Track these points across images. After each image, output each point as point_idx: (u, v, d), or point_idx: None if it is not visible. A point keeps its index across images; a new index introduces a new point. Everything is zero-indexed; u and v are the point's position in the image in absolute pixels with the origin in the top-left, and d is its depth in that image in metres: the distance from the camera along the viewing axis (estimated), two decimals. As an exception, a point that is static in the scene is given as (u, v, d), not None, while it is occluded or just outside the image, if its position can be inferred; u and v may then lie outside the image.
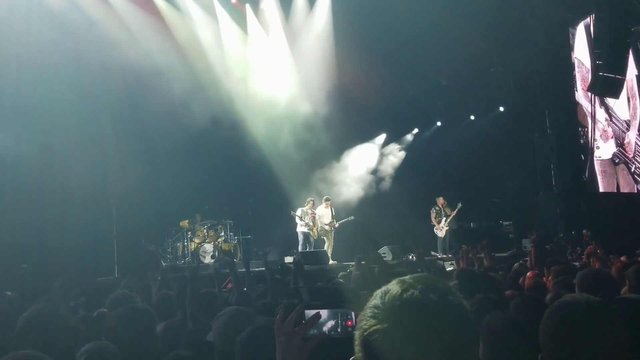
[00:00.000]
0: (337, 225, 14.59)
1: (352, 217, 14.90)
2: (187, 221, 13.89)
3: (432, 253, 14.56)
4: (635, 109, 14.67)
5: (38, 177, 12.56)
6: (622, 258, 7.52)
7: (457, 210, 15.44)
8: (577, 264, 5.78)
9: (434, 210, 15.57)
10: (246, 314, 3.31)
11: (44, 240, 12.64)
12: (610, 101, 14.83)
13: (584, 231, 14.94)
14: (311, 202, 14.56)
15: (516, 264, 7.14)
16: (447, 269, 7.58)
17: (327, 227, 14.53)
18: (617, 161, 15.09)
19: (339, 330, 1.68)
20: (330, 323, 1.68)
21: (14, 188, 12.46)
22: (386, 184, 17.23)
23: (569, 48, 16.41)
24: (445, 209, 15.49)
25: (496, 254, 11.25)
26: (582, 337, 1.84)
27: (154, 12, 14.89)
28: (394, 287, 1.30)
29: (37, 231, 13.03)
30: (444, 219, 15.41)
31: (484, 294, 3.35)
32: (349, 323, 1.67)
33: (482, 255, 7.94)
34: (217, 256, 13.31)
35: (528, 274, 5.95)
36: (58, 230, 13.27)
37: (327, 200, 14.85)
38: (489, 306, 2.99)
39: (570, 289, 3.78)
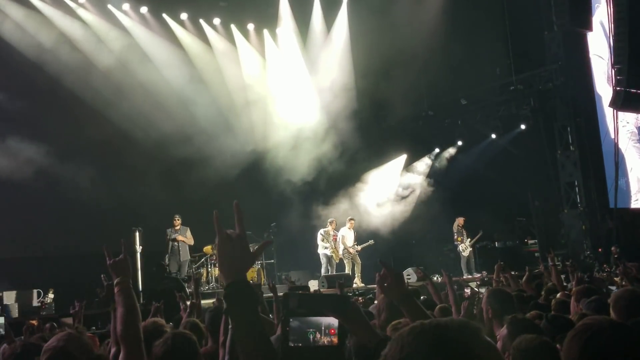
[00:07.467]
0: (359, 248, 14.10)
1: (372, 242, 14.41)
2: (210, 246, 13.89)
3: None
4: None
5: (59, 203, 12.74)
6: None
7: (478, 237, 15.24)
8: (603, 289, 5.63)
9: (456, 230, 15.38)
10: None
11: (68, 267, 12.74)
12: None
13: (612, 248, 14.71)
14: (334, 223, 14.22)
15: (550, 283, 7.01)
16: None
17: (350, 250, 14.01)
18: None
19: (322, 338, 1.68)
20: (315, 330, 1.68)
21: (35, 214, 12.67)
22: (408, 205, 17.12)
23: (589, 63, 16.29)
24: (464, 230, 15.27)
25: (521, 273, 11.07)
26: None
27: (174, 41, 15.18)
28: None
29: (61, 258, 13.17)
30: (468, 239, 15.19)
31: (516, 315, 3.28)
32: (332, 331, 1.68)
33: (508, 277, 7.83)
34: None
35: (559, 294, 5.82)
36: (81, 257, 13.40)
37: (351, 220, 14.37)
38: (521, 328, 2.94)
39: (594, 310, 3.71)
